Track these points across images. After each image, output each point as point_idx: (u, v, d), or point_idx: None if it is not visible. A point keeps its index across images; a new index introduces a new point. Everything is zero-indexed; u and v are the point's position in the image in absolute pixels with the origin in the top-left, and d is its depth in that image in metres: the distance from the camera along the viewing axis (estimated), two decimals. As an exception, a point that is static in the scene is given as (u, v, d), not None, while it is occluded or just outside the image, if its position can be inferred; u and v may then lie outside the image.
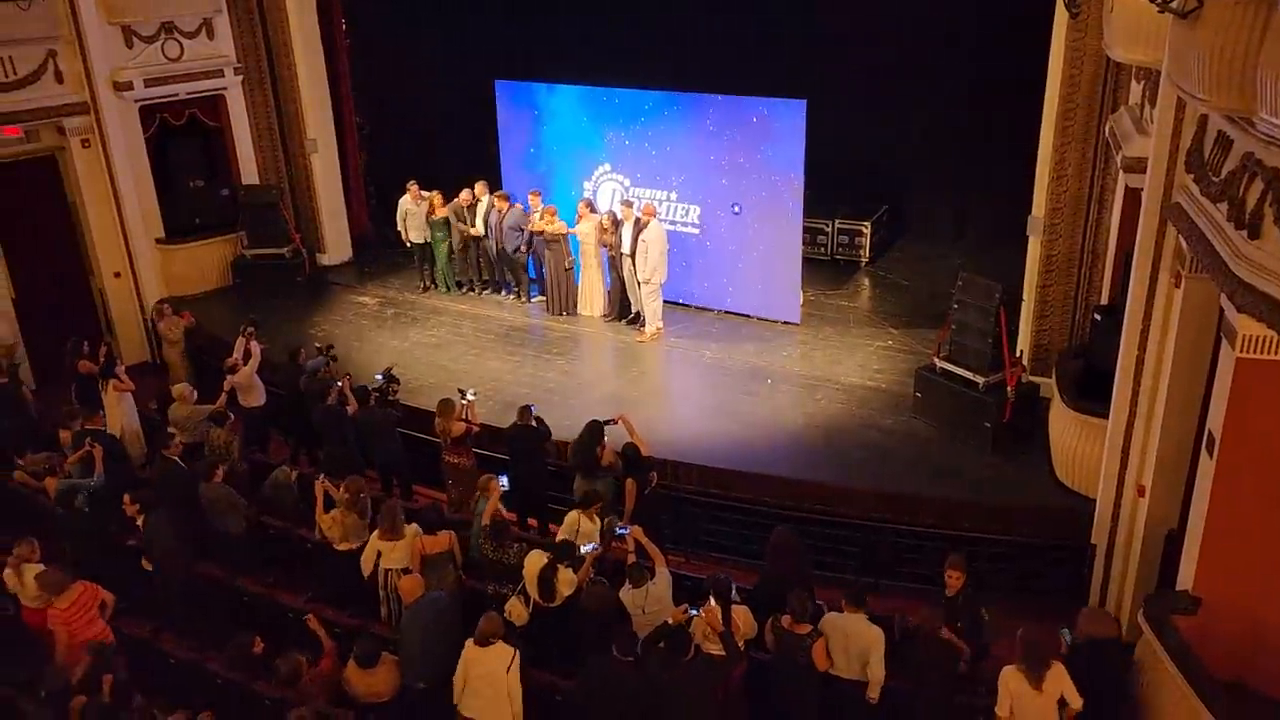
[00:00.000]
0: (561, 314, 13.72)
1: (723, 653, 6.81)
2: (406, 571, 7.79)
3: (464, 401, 9.74)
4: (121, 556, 8.85)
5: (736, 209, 12.89)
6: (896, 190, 15.50)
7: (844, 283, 14.39)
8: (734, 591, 7.31)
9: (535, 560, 7.59)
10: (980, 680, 6.97)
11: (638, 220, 12.65)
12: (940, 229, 15.43)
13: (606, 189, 13.89)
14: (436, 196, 14.08)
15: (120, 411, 10.61)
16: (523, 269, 14.11)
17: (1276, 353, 6.01)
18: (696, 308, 13.63)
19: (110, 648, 7.37)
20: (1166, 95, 6.91)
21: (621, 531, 7.97)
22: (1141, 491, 7.91)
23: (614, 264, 13.31)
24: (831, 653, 6.89)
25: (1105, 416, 8.22)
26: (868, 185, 15.09)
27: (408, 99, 17.65)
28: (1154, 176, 7.21)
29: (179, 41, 14.03)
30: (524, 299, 14.26)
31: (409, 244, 14.61)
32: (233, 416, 10.23)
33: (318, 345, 11.76)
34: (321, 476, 8.83)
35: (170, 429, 9.99)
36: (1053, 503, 9.23)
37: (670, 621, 7.00)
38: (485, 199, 13.84)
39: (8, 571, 8.10)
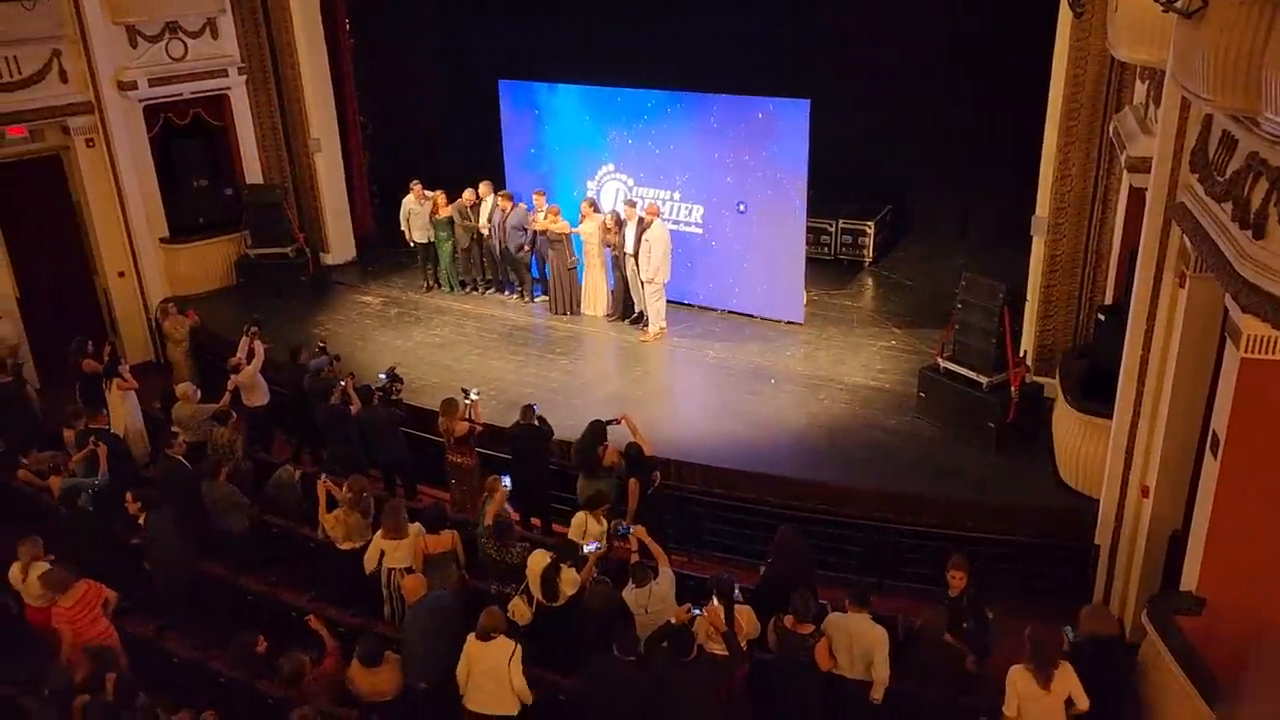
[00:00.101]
0: (565, 314, 13.72)
1: (726, 653, 6.81)
2: (409, 571, 7.81)
3: (467, 401, 9.75)
4: (125, 555, 8.86)
5: (742, 208, 12.86)
6: (900, 190, 15.47)
7: (847, 283, 14.37)
8: (737, 591, 7.32)
9: (538, 560, 7.60)
10: (984, 680, 6.96)
11: (641, 220, 12.65)
12: (944, 229, 15.41)
13: (610, 188, 13.89)
14: (440, 196, 14.09)
15: (124, 410, 10.62)
16: (526, 269, 14.11)
17: (1280, 353, 6.01)
18: (700, 307, 13.61)
19: (111, 650, 7.37)
20: (1171, 95, 6.89)
21: (624, 531, 7.98)
22: (1145, 492, 7.89)
23: (617, 264, 13.30)
24: (835, 653, 6.88)
25: (1109, 417, 8.20)
26: (871, 185, 15.06)
27: (411, 98, 17.70)
28: (1158, 176, 7.19)
29: (183, 41, 14.05)
30: (527, 299, 14.26)
31: (412, 244, 14.61)
32: (236, 415, 10.26)
33: (319, 345, 11.76)
34: (324, 476, 8.84)
35: (174, 428, 9.98)
36: (1056, 503, 9.20)
37: (673, 621, 7.01)
38: (489, 199, 13.85)
39: (14, 570, 8.11)
